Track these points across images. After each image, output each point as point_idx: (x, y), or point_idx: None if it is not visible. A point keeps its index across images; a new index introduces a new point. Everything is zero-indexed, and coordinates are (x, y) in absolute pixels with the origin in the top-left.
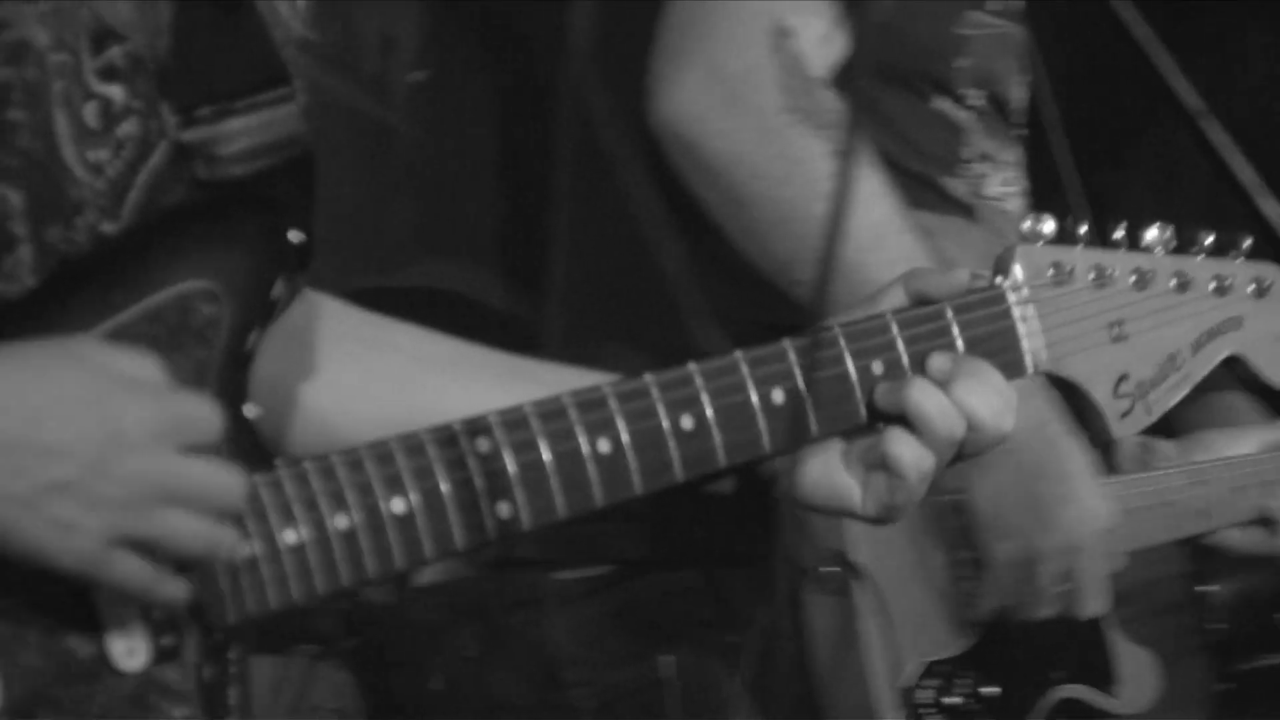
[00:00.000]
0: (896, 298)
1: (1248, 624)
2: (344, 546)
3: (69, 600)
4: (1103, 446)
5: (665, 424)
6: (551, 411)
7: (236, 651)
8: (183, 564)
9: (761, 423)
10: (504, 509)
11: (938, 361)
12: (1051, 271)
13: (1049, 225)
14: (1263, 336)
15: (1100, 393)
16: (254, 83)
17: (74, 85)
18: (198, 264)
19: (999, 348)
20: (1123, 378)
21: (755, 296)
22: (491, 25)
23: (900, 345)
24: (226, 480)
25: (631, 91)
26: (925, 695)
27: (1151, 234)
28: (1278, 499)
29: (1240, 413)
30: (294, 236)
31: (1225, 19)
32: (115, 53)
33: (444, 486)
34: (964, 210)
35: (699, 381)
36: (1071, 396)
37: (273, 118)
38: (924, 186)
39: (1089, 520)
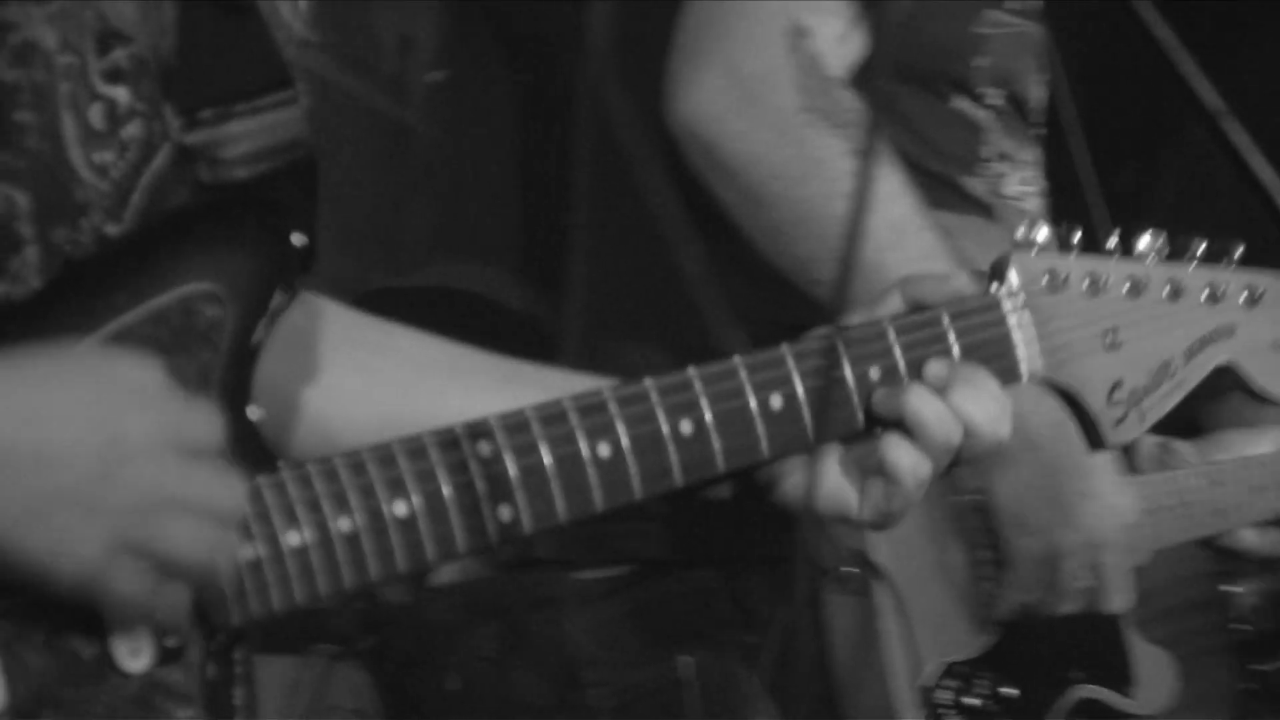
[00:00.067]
0: (893, 303)
1: (1272, 624)
2: (347, 549)
3: (73, 600)
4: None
5: (665, 428)
6: (552, 415)
7: (241, 652)
8: (185, 572)
9: (760, 428)
10: (505, 512)
11: (934, 368)
12: (1046, 279)
13: (1043, 233)
14: (1254, 345)
15: (1094, 400)
16: (257, 86)
17: (80, 87)
18: (201, 266)
19: (994, 354)
20: (1116, 385)
21: (774, 296)
22: (509, 25)
23: (897, 351)
24: (228, 487)
25: (650, 91)
26: (944, 696)
27: (1144, 242)
28: None
29: (1260, 412)
30: (296, 239)
31: (1246, 18)
32: (120, 55)
33: (446, 489)
34: (983, 210)
35: (698, 386)
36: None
37: (275, 121)
38: (943, 186)
39: (1111, 515)
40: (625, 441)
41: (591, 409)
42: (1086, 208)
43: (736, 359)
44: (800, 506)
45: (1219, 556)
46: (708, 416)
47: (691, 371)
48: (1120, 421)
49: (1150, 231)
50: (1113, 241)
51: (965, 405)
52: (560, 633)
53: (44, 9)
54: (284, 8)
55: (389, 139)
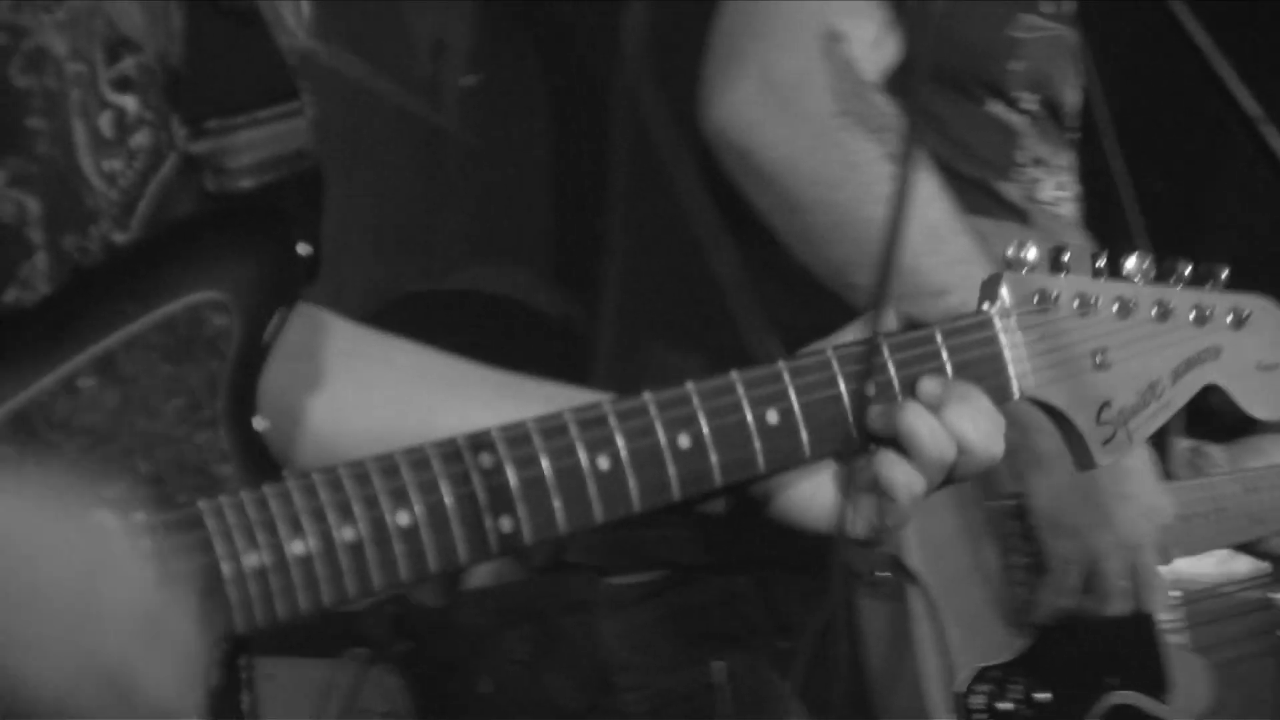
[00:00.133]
0: (889, 321)
1: None
2: (350, 558)
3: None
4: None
5: (663, 442)
6: (553, 428)
7: (244, 659)
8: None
9: (757, 443)
10: (506, 523)
11: (928, 385)
12: (1036, 299)
13: (1033, 253)
14: (1240, 367)
15: (1083, 419)
16: (263, 96)
17: (90, 95)
18: (209, 275)
19: (986, 372)
20: (1105, 405)
21: (808, 300)
22: (544, 29)
23: (891, 368)
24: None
25: (684, 95)
26: (978, 701)
27: (1130, 263)
28: None
29: None
30: (302, 249)
31: None
32: (128, 64)
33: (448, 500)
34: (1018, 215)
35: (696, 401)
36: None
37: (281, 131)
38: (978, 191)
39: (1149, 516)
40: (624, 454)
41: (591, 422)
42: (1121, 212)
43: (734, 374)
44: (794, 521)
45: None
46: (705, 430)
47: (689, 386)
48: (1109, 441)
49: (1136, 253)
50: (1101, 262)
51: (959, 423)
52: (593, 637)
53: (54, 16)
54: (288, 15)
55: (423, 143)
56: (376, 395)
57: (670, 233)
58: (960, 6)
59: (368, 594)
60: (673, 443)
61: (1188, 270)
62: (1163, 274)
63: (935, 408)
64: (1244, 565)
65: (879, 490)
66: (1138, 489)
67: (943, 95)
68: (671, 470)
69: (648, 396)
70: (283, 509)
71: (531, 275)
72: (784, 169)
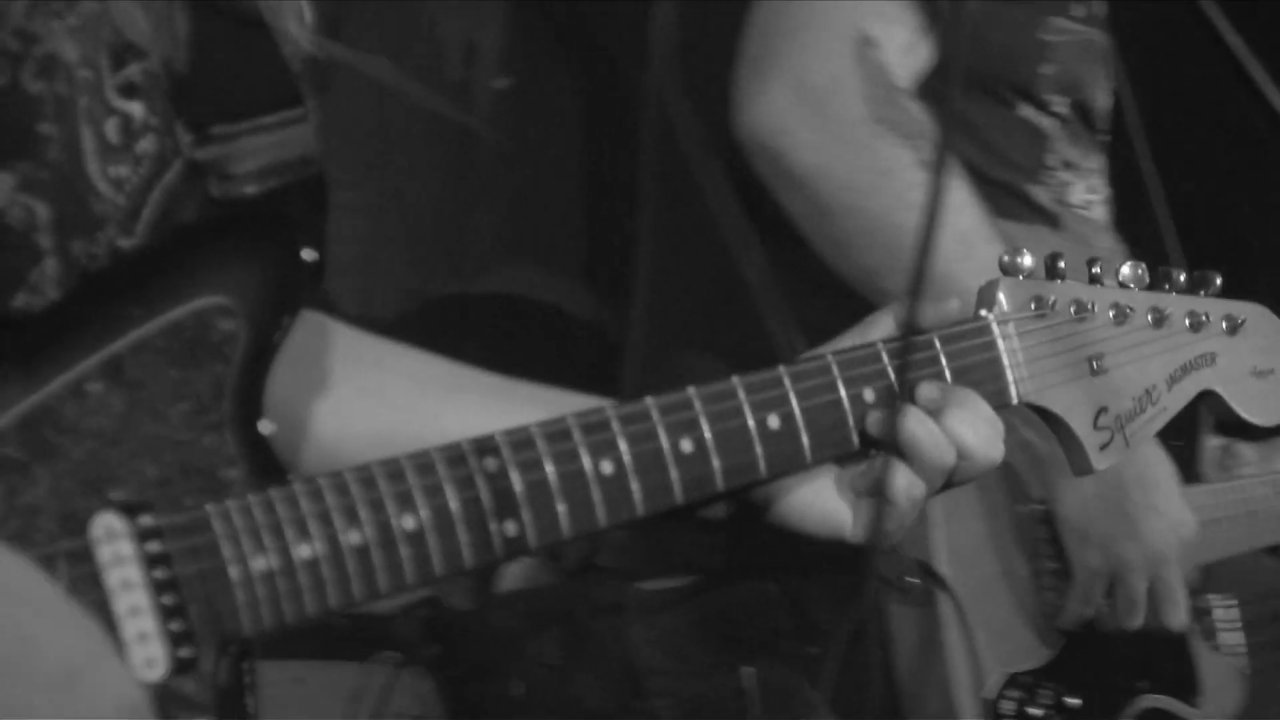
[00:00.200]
0: (886, 327)
1: None
2: (356, 561)
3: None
4: (1180, 451)
5: (665, 446)
6: (556, 432)
7: (249, 661)
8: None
9: (758, 447)
10: (511, 527)
11: (927, 391)
12: (1033, 305)
13: (1029, 259)
14: (1235, 372)
15: (1080, 424)
16: (268, 102)
17: (97, 101)
18: (215, 280)
19: (984, 378)
20: (1102, 410)
21: (837, 303)
22: (574, 31)
23: (891, 374)
24: None
25: (714, 97)
26: (1008, 706)
27: (1125, 270)
28: None
29: None
30: (307, 255)
31: None
32: (134, 69)
33: (453, 504)
34: (1048, 219)
35: (698, 405)
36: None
37: (286, 138)
38: (1008, 195)
39: (1176, 530)
40: (627, 459)
41: (594, 426)
42: (1152, 215)
43: (735, 379)
44: (795, 525)
45: None
46: (707, 435)
47: (691, 391)
48: (1105, 446)
49: (1129, 261)
50: (1096, 269)
51: (958, 428)
52: (623, 641)
53: (65, 22)
54: (290, 23)
55: (454, 145)
56: (378, 400)
57: (699, 235)
58: (990, 10)
59: (374, 597)
60: (675, 447)
61: (1182, 277)
62: (1158, 281)
63: (934, 413)
64: None
65: (879, 495)
66: (1164, 502)
67: (973, 99)
68: (674, 474)
69: (650, 401)
70: (289, 513)
71: (562, 278)
72: (815, 174)
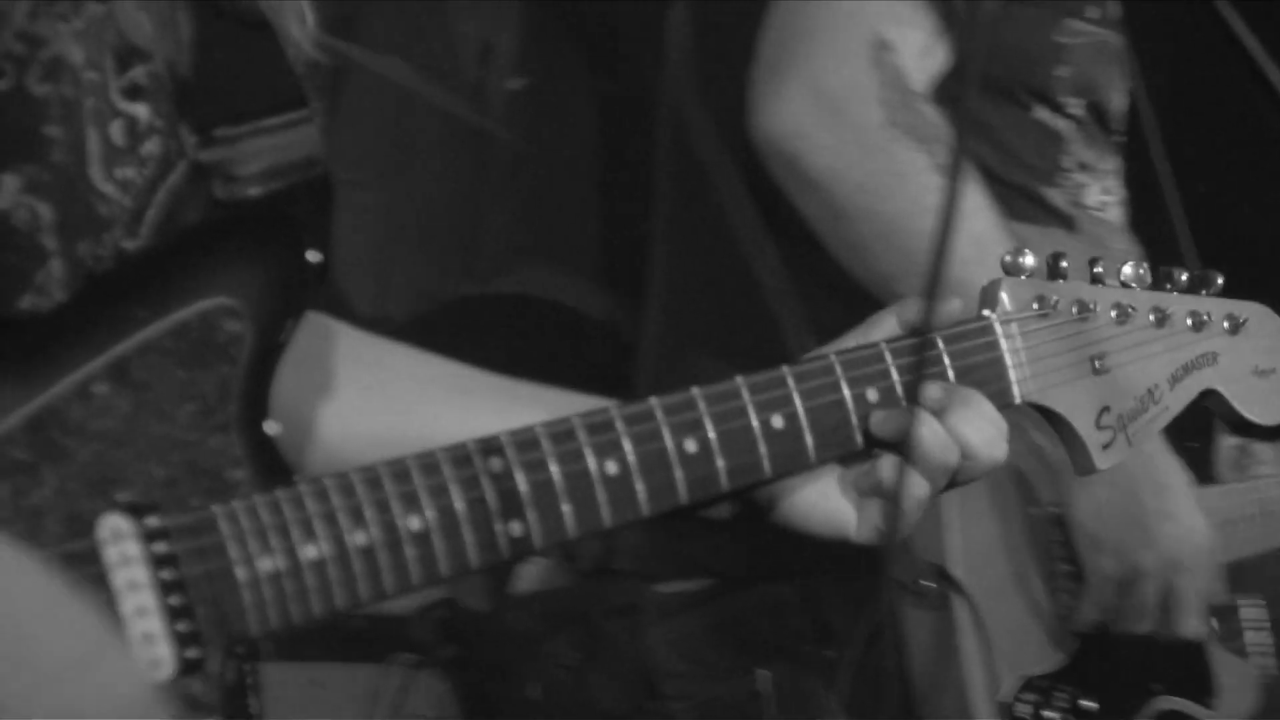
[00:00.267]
0: (890, 327)
1: None
2: (362, 562)
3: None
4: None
5: (670, 446)
6: (561, 433)
7: (252, 663)
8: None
9: (762, 447)
10: (516, 527)
11: (931, 391)
12: (1036, 305)
13: (1030, 259)
14: (1237, 372)
15: (1082, 424)
16: (271, 104)
17: (102, 103)
18: (221, 282)
19: (988, 377)
20: (1104, 409)
21: (851, 305)
22: (590, 33)
23: (894, 374)
24: None
25: (729, 100)
26: (1024, 709)
27: (1127, 270)
28: None
29: None
30: (312, 256)
31: None
32: (139, 72)
33: (458, 504)
34: (1064, 221)
35: (702, 406)
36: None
37: (290, 139)
38: (1024, 197)
39: (1190, 537)
40: (632, 459)
41: (599, 427)
42: (1167, 216)
43: (739, 380)
44: (799, 525)
45: None
46: (711, 435)
47: (695, 391)
48: (1108, 445)
49: (1131, 261)
50: (1098, 269)
51: (961, 428)
52: (640, 643)
53: (71, 25)
54: (293, 27)
55: (469, 146)
56: (382, 401)
57: (714, 237)
58: (1006, 13)
59: (380, 598)
60: (679, 447)
61: (1184, 277)
62: (1159, 280)
63: (938, 413)
64: None
65: (883, 495)
66: (1177, 508)
67: (988, 101)
68: (679, 474)
69: (654, 401)
70: (295, 513)
71: (577, 279)
72: (831, 177)
